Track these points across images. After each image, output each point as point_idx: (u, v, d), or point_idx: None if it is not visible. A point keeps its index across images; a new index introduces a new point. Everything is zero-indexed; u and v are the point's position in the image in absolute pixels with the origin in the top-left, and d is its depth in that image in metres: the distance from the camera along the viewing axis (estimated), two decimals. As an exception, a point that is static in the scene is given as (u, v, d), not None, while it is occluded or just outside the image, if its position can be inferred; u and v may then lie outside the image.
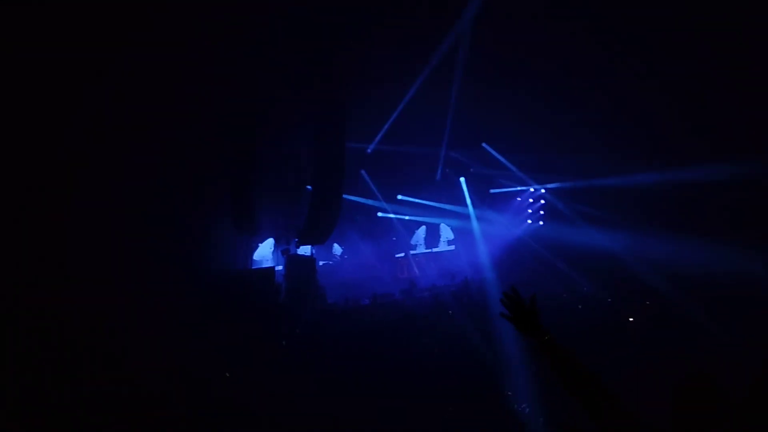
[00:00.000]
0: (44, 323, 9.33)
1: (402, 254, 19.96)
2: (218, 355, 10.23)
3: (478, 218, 19.41)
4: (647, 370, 9.05)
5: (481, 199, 19.85)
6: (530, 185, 19.52)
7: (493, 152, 18.84)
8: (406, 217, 19.92)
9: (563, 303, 13.97)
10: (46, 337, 9.10)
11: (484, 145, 18.81)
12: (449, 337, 12.59)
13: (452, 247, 20.29)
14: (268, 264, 16.72)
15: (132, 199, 12.33)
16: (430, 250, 20.29)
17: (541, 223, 19.54)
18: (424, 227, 20.41)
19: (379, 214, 19.49)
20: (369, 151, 17.75)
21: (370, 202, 18.98)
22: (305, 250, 16.05)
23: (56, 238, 10.68)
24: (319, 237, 14.64)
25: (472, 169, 19.39)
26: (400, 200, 19.46)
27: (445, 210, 19.81)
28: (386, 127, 16.94)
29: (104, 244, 11.58)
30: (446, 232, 20.51)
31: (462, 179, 19.64)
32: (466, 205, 19.59)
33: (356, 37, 12.81)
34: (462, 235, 19.92)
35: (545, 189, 19.29)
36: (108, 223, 11.78)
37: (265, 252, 17.38)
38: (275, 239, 16.74)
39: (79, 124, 11.13)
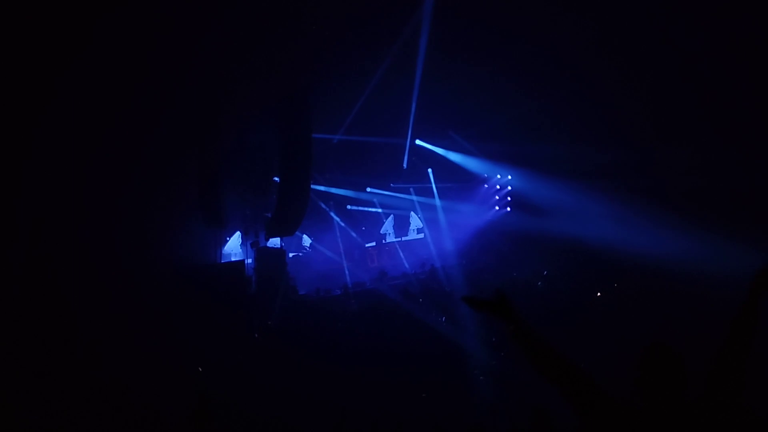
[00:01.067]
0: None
1: (372, 243, 20.01)
2: (190, 350, 10.19)
3: (445, 208, 19.57)
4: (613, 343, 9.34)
5: (448, 186, 19.98)
6: (497, 172, 19.70)
7: (460, 140, 18.94)
8: (379, 210, 20.04)
9: (528, 285, 14.22)
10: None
11: (450, 133, 18.90)
12: (419, 324, 12.73)
13: (421, 236, 20.39)
14: (238, 257, 16.60)
15: (97, 196, 12.18)
16: (399, 239, 20.37)
17: (508, 209, 19.74)
18: (392, 216, 20.47)
19: (348, 206, 19.52)
20: (335, 141, 17.71)
21: (338, 191, 18.98)
22: (275, 242, 15.98)
23: (16, 232, 10.51)
24: (287, 228, 14.62)
25: (438, 157, 19.47)
26: (370, 192, 19.55)
27: (413, 200, 19.97)
28: (352, 116, 16.92)
29: (70, 242, 11.43)
30: (415, 221, 20.60)
31: (429, 170, 19.76)
32: (433, 196, 19.74)
33: (317, 25, 12.77)
34: (431, 223, 20.04)
35: (511, 176, 19.48)
36: (73, 220, 11.62)
37: (234, 245, 17.26)
38: (244, 232, 16.62)
39: (43, 119, 10.96)
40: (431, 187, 19.80)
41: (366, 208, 19.91)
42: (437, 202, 19.70)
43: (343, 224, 19.33)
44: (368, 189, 19.64)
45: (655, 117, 13.99)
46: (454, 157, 19.37)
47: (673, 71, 13.10)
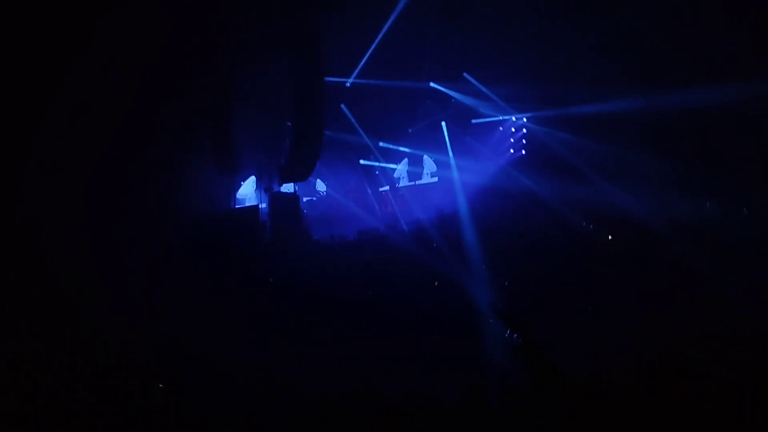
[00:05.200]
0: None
1: (386, 188, 19.98)
2: (206, 297, 10.34)
3: (458, 155, 19.45)
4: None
5: (463, 130, 19.75)
6: (512, 115, 19.41)
7: (475, 82, 18.60)
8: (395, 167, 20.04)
9: (546, 233, 14.16)
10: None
11: (465, 74, 18.56)
12: (433, 270, 12.80)
13: (435, 179, 20.31)
14: (252, 203, 16.68)
15: (110, 144, 12.18)
16: (413, 183, 20.32)
17: (523, 152, 19.54)
18: (406, 160, 20.36)
19: (362, 161, 19.41)
20: (348, 85, 17.47)
21: (351, 137, 18.84)
22: (288, 187, 16.01)
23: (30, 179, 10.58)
24: (301, 174, 14.58)
25: (453, 100, 19.17)
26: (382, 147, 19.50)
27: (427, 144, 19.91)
28: (365, 59, 16.64)
29: (84, 191, 11.49)
30: (429, 165, 20.48)
31: (443, 123, 19.52)
32: (446, 146, 19.61)
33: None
34: (444, 167, 19.93)
35: (526, 118, 19.20)
36: (86, 169, 11.66)
37: (248, 190, 17.32)
38: (257, 177, 16.65)
39: (54, 67, 10.88)
40: (444, 137, 19.58)
41: (379, 163, 19.80)
42: (450, 152, 19.53)
43: (357, 169, 19.26)
44: (381, 144, 19.50)
45: (693, 54, 13.42)
46: (468, 101, 19.06)
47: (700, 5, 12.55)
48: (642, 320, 8.00)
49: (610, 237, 13.54)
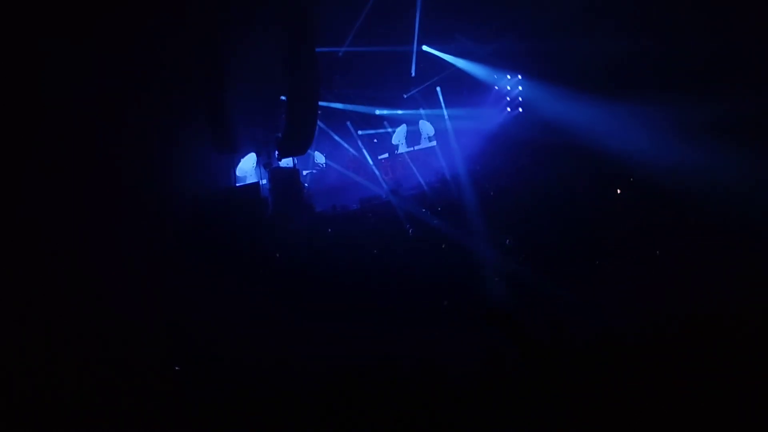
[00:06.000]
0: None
1: (385, 155, 19.94)
2: (213, 277, 10.40)
3: (454, 118, 19.34)
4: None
5: (458, 94, 19.63)
6: (506, 73, 19.26)
7: (467, 41, 18.41)
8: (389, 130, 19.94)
9: (548, 192, 14.15)
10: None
11: (457, 35, 18.36)
12: (437, 234, 12.88)
13: (434, 143, 20.25)
14: (252, 180, 16.65)
15: (104, 125, 12.10)
16: (412, 148, 20.26)
17: (520, 110, 19.43)
18: (404, 126, 20.26)
19: (360, 132, 19.31)
20: (341, 54, 17.29)
21: (348, 107, 18.72)
22: (287, 161, 15.97)
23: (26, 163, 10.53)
24: (299, 147, 14.52)
25: (447, 63, 19.00)
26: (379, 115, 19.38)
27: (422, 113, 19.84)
28: (356, 26, 16.45)
29: (81, 174, 11.45)
30: (427, 129, 20.38)
31: (438, 88, 19.35)
32: (442, 111, 19.51)
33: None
34: (442, 132, 19.88)
35: (521, 76, 19.04)
36: (82, 152, 11.61)
37: (247, 167, 17.27)
38: (257, 154, 16.60)
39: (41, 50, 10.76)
40: (440, 101, 19.45)
41: (377, 131, 19.70)
42: (446, 115, 19.43)
43: (355, 138, 19.17)
44: (377, 112, 19.37)
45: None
46: (462, 63, 18.88)
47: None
48: (647, 281, 8.05)
49: (618, 191, 13.49)
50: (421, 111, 19.92)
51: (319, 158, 19.07)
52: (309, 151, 16.37)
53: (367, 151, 19.15)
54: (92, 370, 6.75)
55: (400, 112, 19.79)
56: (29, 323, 8.22)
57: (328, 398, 4.89)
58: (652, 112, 13.44)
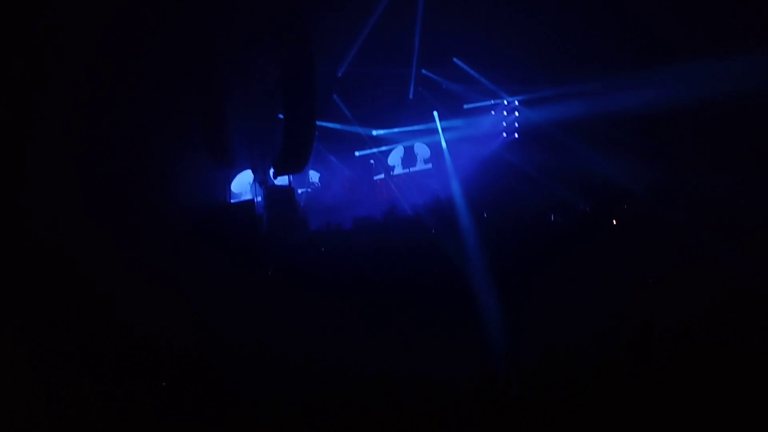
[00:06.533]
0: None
1: (381, 176, 20.01)
2: (203, 290, 10.33)
3: (451, 142, 19.48)
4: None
5: (455, 115, 19.78)
6: (504, 98, 19.43)
7: (465, 67, 18.60)
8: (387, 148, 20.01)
9: (540, 214, 14.20)
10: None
11: (455, 60, 18.56)
12: (431, 257, 12.84)
13: (429, 166, 20.35)
14: (247, 196, 16.66)
15: (102, 139, 12.11)
16: (408, 170, 20.34)
17: (516, 135, 19.57)
18: (401, 147, 20.37)
19: (357, 153, 19.38)
20: (340, 74, 17.43)
21: (344, 127, 18.82)
22: (283, 179, 16.00)
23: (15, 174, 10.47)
24: (295, 166, 14.55)
25: (444, 86, 19.17)
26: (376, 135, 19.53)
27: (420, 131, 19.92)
28: (356, 47, 16.62)
29: (76, 184, 11.41)
30: (423, 151, 20.50)
31: (435, 113, 19.51)
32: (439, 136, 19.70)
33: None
34: (438, 155, 20.00)
35: (519, 101, 19.23)
36: (77, 166, 11.59)
37: (243, 184, 17.30)
38: (252, 171, 16.62)
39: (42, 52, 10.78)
40: (437, 124, 19.63)
41: (373, 151, 19.80)
42: (442, 138, 19.57)
43: (351, 158, 19.25)
44: (374, 132, 19.49)
45: (684, 32, 13.44)
46: (459, 88, 19.09)
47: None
48: (642, 307, 8.04)
49: (614, 221, 13.52)
50: (418, 133, 20.03)
51: (314, 176, 19.13)
52: (305, 169, 16.41)
53: (363, 172, 19.21)
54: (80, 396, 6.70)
55: (396, 130, 19.88)
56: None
57: (319, 416, 4.85)
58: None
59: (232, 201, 16.45)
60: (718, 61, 12.49)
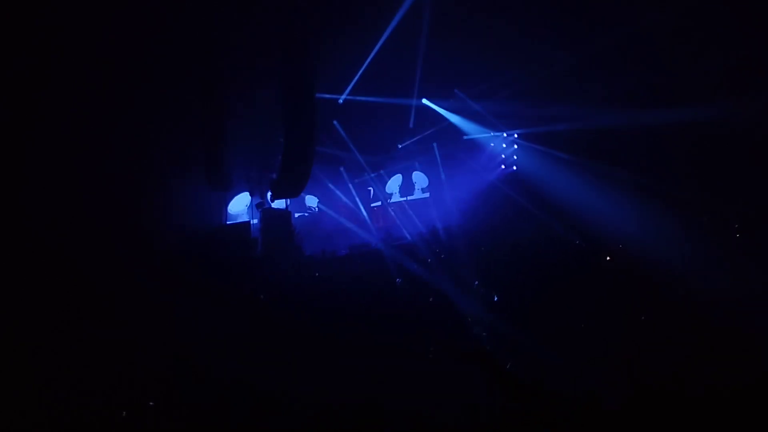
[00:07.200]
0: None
1: (378, 203, 20.03)
2: (195, 313, 10.27)
3: (449, 173, 19.61)
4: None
5: (455, 146, 19.91)
6: (503, 131, 19.61)
7: (466, 98, 18.79)
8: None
9: (537, 247, 14.20)
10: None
11: (456, 91, 18.77)
12: (425, 286, 12.81)
13: (427, 195, 20.41)
14: (244, 219, 16.64)
15: (101, 157, 12.15)
16: (405, 199, 20.38)
17: (514, 168, 19.69)
18: (399, 176, 20.43)
19: (355, 179, 19.48)
20: (341, 102, 17.56)
21: (343, 153, 18.88)
22: (280, 203, 16.01)
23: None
24: (292, 190, 14.56)
25: (444, 117, 19.33)
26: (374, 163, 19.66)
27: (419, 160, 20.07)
28: (358, 76, 16.77)
29: (71, 203, 11.41)
30: (420, 180, 20.57)
31: (434, 144, 19.66)
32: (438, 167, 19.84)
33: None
34: (435, 185, 20.10)
35: (517, 134, 19.40)
36: (75, 182, 11.61)
37: (240, 206, 17.28)
38: (250, 193, 16.63)
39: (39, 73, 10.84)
40: (435, 154, 19.76)
41: (371, 176, 19.85)
42: (441, 169, 19.75)
43: (349, 185, 19.27)
44: (373, 160, 19.60)
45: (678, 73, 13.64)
46: (458, 119, 19.25)
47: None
48: (633, 342, 8.04)
49: (608, 258, 13.55)
50: (416, 162, 20.14)
51: (311, 201, 19.13)
52: (302, 194, 16.42)
53: (360, 199, 19.23)
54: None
55: (395, 158, 19.97)
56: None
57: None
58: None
59: (228, 222, 16.42)
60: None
